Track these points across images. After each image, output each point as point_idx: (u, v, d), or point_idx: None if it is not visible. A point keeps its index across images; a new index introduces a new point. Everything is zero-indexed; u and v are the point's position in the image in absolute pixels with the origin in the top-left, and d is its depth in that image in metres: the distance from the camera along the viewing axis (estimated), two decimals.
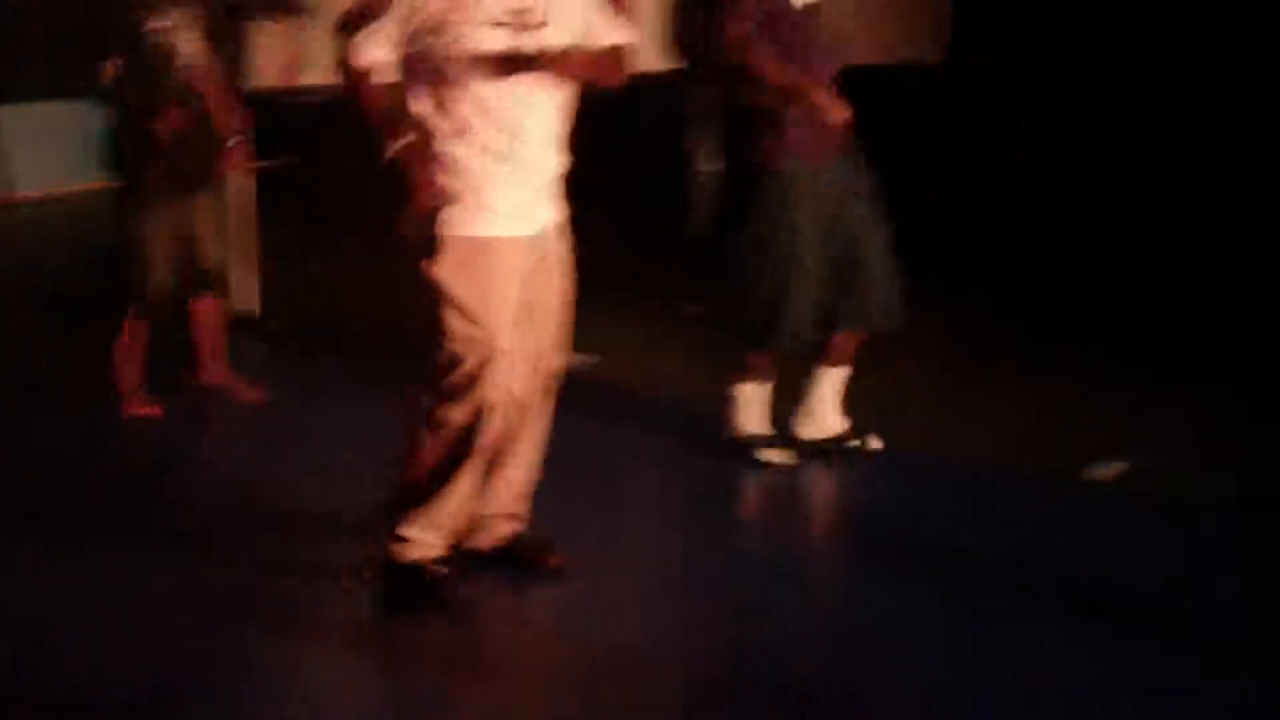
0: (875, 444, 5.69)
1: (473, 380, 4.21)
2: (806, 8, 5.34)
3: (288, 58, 7.15)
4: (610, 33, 4.40)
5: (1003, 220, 8.77)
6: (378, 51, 4.17)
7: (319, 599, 4.44)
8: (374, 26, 4.16)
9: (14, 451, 5.64)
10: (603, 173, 5.74)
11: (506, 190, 4.21)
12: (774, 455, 5.56)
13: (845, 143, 5.42)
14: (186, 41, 5.70)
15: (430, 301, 4.22)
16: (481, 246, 4.20)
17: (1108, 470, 5.54)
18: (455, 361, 4.21)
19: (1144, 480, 5.45)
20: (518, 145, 4.20)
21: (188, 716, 3.81)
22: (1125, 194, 8.60)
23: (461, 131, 4.18)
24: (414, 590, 4.38)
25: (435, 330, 4.23)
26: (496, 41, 4.13)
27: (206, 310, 6.09)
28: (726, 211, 5.53)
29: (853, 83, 5.43)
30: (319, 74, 6.71)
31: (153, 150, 5.69)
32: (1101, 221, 8.57)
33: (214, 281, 6.02)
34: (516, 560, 4.58)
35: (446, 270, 4.20)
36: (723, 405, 5.60)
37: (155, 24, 5.64)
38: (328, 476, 5.28)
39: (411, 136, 4.20)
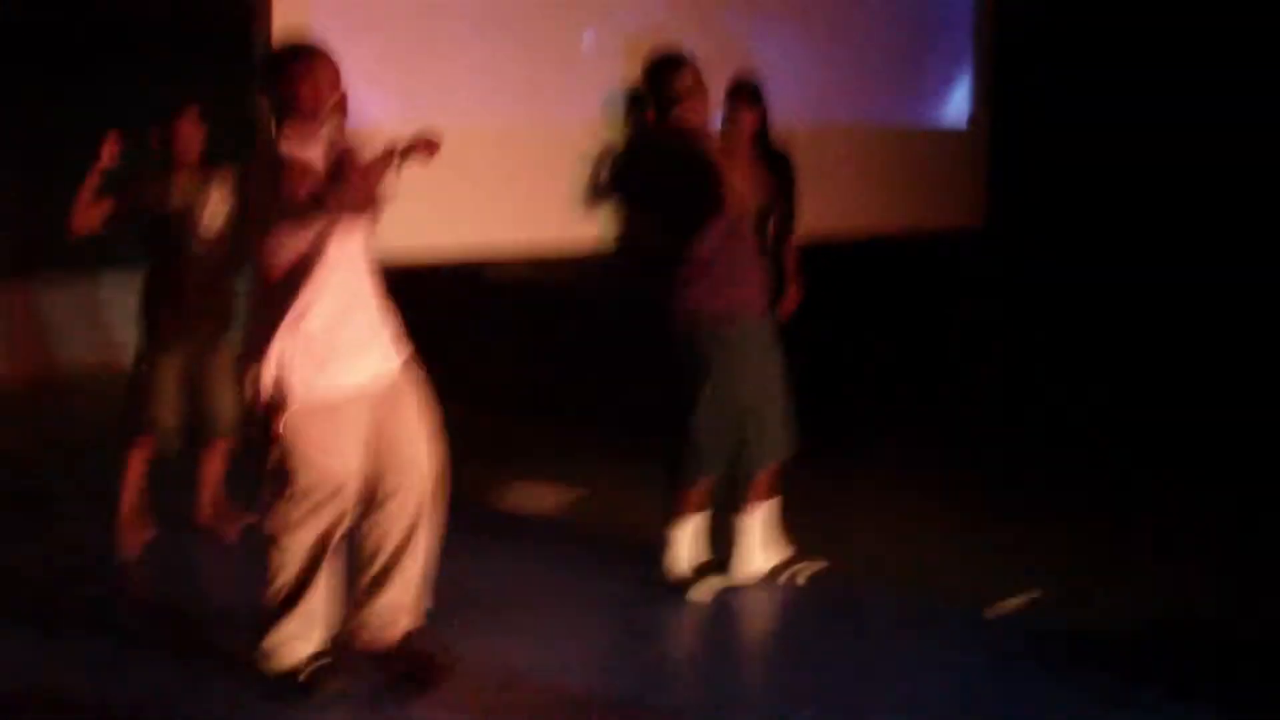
0: (804, 575, 6.00)
1: (315, 511, 4.65)
2: None
3: None
4: None
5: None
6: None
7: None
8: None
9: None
10: None
11: (336, 347, 4.63)
12: (697, 593, 5.83)
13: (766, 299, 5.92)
14: (207, 206, 6.18)
15: (275, 449, 4.65)
16: (315, 408, 4.62)
17: (1015, 602, 5.75)
18: (300, 495, 4.64)
19: (1050, 610, 5.66)
20: (341, 304, 4.64)
21: None
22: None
23: (290, 297, 4.61)
24: (299, 689, 4.75)
25: (279, 469, 4.65)
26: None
27: (209, 455, 6.53)
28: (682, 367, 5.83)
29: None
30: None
31: (168, 302, 6.23)
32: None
33: (221, 431, 6.42)
34: (397, 664, 4.90)
35: (288, 427, 4.61)
36: (661, 547, 5.89)
37: (173, 191, 6.16)
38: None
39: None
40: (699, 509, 5.88)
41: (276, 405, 4.63)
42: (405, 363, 4.87)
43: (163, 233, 6.24)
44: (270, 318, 4.63)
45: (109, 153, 6.10)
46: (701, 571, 5.91)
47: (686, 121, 5.70)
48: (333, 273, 4.62)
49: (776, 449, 5.90)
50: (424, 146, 4.62)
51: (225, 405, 6.36)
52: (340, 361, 4.64)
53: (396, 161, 4.60)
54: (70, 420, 8.63)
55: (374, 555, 4.84)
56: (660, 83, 5.72)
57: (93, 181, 6.09)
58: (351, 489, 4.66)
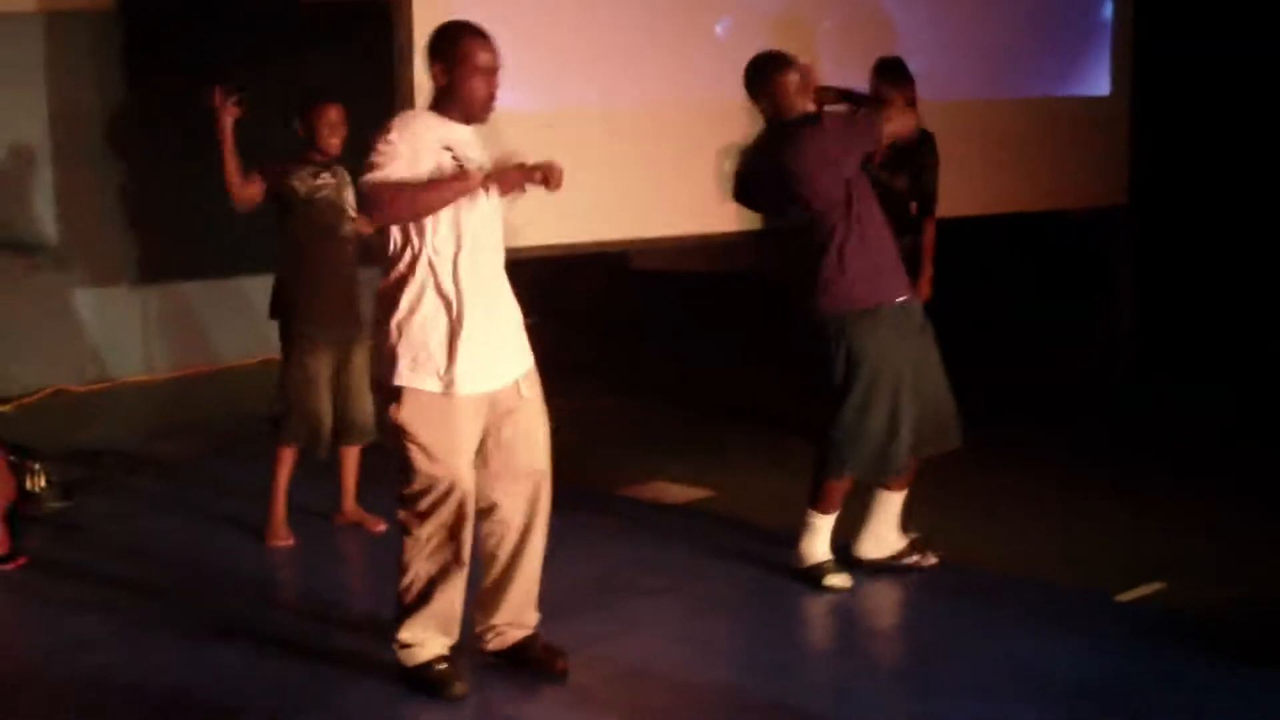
0: (931, 560, 5.98)
1: (436, 505, 4.69)
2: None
3: None
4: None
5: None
6: (383, 180, 4.57)
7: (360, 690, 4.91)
8: (379, 163, 4.58)
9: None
10: None
11: (463, 347, 4.64)
12: (837, 580, 5.81)
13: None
14: (351, 198, 6.21)
15: (397, 439, 4.71)
16: (440, 400, 4.66)
17: (1144, 591, 5.71)
18: (421, 490, 4.70)
19: (1178, 601, 5.63)
20: (471, 304, 4.64)
21: None
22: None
23: (422, 290, 4.64)
24: (423, 688, 4.81)
25: (402, 462, 4.72)
26: (469, 201, 4.61)
27: (349, 455, 6.65)
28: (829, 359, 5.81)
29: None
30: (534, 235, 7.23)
31: (313, 300, 6.30)
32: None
33: (363, 433, 6.52)
34: (526, 663, 4.98)
35: (408, 417, 4.66)
36: (800, 533, 5.88)
37: (320, 180, 6.26)
38: None
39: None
40: (840, 502, 5.85)
41: (395, 396, 4.68)
42: (532, 367, 4.91)
43: (313, 216, 6.30)
44: (398, 307, 4.68)
45: (220, 103, 6.11)
46: (841, 560, 5.88)
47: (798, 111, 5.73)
48: (470, 260, 4.65)
49: (943, 439, 5.87)
50: (553, 177, 4.67)
51: (365, 406, 6.40)
52: (469, 361, 4.66)
53: (533, 176, 4.67)
54: (223, 416, 8.82)
55: (493, 558, 4.91)
56: (763, 88, 5.76)
57: (229, 144, 6.13)
58: (465, 487, 4.70)
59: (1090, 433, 8.24)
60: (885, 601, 5.86)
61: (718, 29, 7.87)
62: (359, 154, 4.76)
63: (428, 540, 4.74)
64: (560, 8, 7.44)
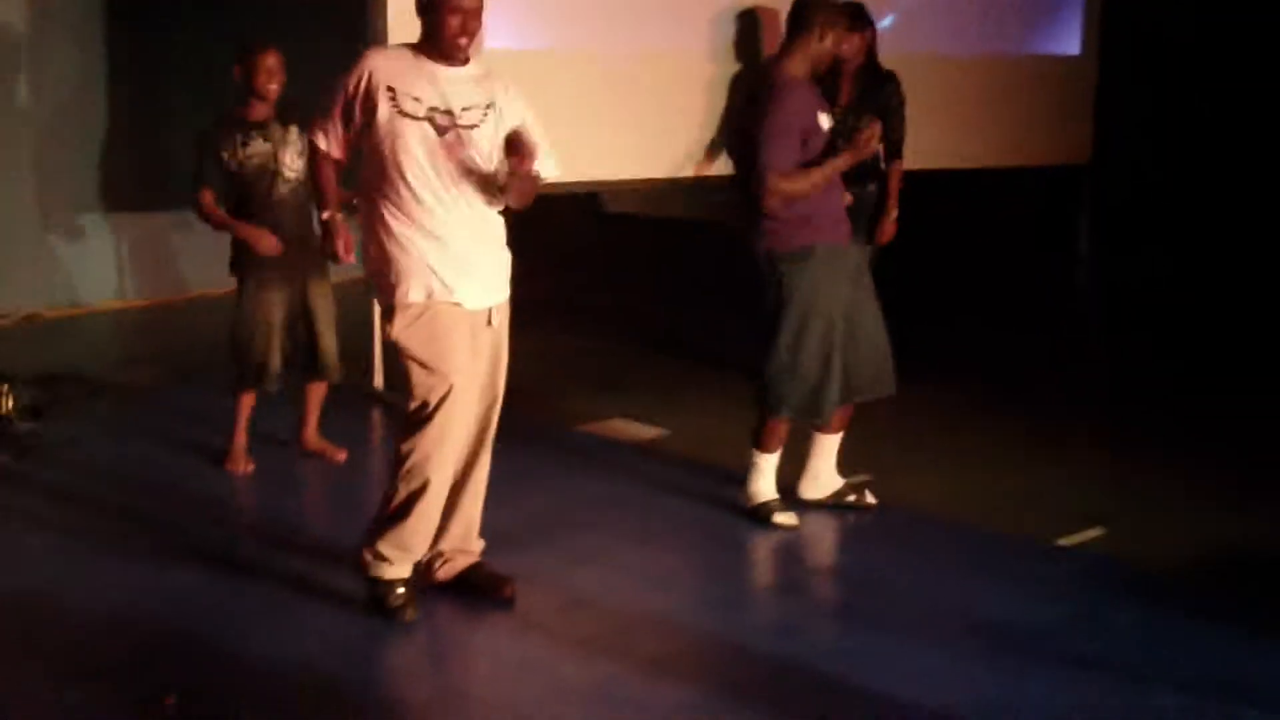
0: (870, 500, 6.13)
1: (433, 416, 4.80)
2: (832, 129, 5.89)
3: None
4: (542, 162, 4.91)
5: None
6: (321, 136, 4.85)
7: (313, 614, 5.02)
8: (322, 110, 4.86)
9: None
10: None
11: (443, 266, 4.79)
12: (785, 519, 5.94)
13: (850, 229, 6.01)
14: (288, 157, 6.37)
15: (397, 359, 4.88)
16: (425, 309, 4.80)
17: (1081, 537, 5.86)
18: (421, 403, 4.82)
19: (1116, 545, 5.79)
20: (448, 231, 4.79)
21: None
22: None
23: (401, 212, 4.79)
24: (377, 607, 4.95)
25: (404, 379, 4.87)
26: (416, 136, 4.74)
27: (314, 389, 6.75)
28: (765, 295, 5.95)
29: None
30: None
31: (247, 252, 6.39)
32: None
33: (325, 370, 6.64)
34: (474, 589, 5.12)
35: (401, 331, 4.82)
36: (747, 472, 6.02)
37: (251, 148, 6.34)
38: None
39: (334, 214, 4.90)
40: (783, 441, 5.98)
41: (388, 315, 4.84)
42: (505, 300, 5.05)
43: (247, 181, 6.40)
44: (375, 232, 4.85)
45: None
46: (788, 498, 6.03)
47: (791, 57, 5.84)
48: (451, 190, 4.79)
49: (876, 384, 6.00)
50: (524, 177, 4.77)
51: (334, 344, 6.57)
52: (453, 276, 4.81)
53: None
54: (192, 345, 8.91)
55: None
56: (830, 34, 5.84)
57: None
58: (457, 397, 4.81)
59: (1041, 385, 8.39)
60: (830, 541, 6.00)
61: None
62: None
63: (416, 458, 4.84)
64: None
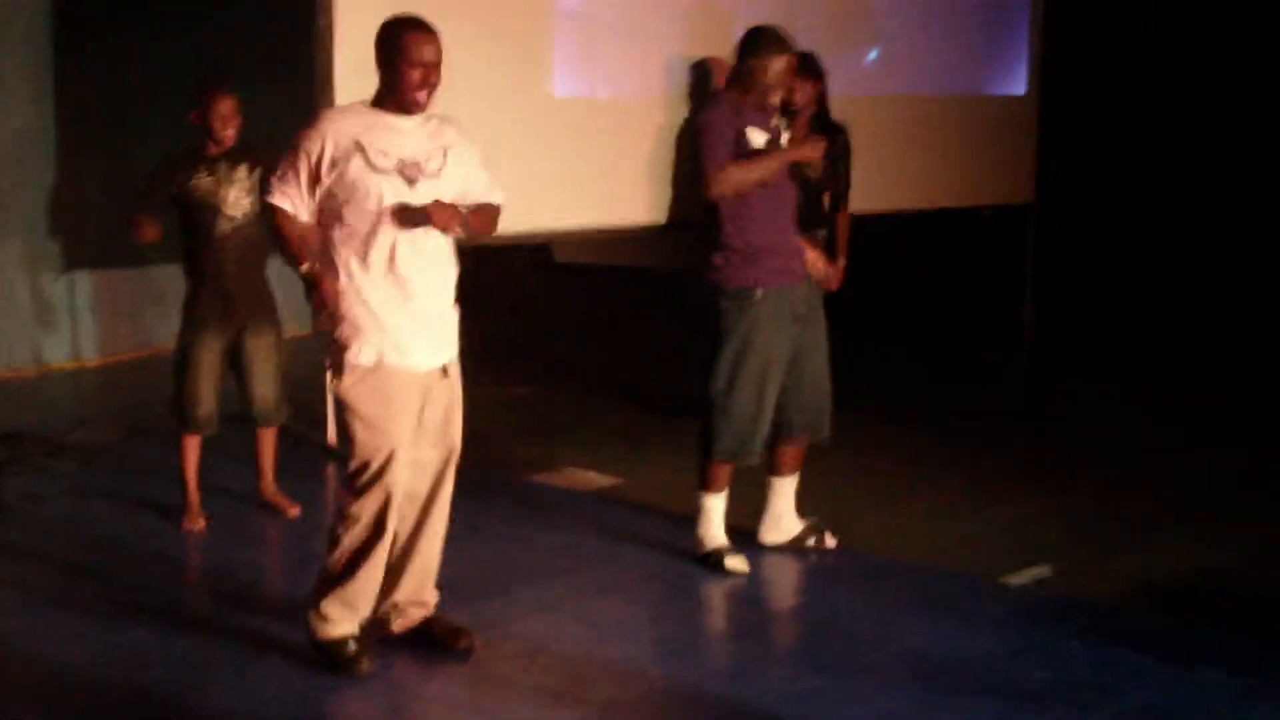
0: (830, 542, 6.22)
1: (376, 478, 4.85)
2: (768, 145, 5.93)
3: None
4: (490, 193, 5.07)
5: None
6: (282, 198, 4.86)
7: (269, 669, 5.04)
8: (281, 174, 4.88)
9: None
10: None
11: (399, 326, 4.84)
12: (735, 563, 5.99)
13: (804, 268, 6.07)
14: (232, 196, 6.39)
15: (341, 414, 4.91)
16: (377, 371, 4.85)
17: (1028, 575, 5.98)
18: (363, 464, 4.86)
19: (1060, 583, 5.92)
20: (409, 289, 4.84)
21: None
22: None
23: (360, 267, 4.83)
24: (330, 663, 4.97)
25: (346, 437, 4.91)
26: (390, 190, 4.78)
27: (264, 438, 6.76)
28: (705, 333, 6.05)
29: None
30: None
31: (201, 285, 6.44)
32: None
33: (268, 415, 6.66)
34: (429, 642, 5.16)
35: (349, 389, 4.86)
36: (695, 517, 6.07)
37: (195, 181, 6.37)
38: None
39: (313, 265, 4.89)
40: (728, 482, 6.03)
41: (336, 371, 4.88)
42: (455, 357, 5.09)
43: (190, 215, 6.43)
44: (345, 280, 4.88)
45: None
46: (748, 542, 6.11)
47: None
48: (402, 247, 4.83)
49: (811, 426, 6.09)
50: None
51: (269, 390, 6.60)
52: (407, 337, 4.86)
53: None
54: (147, 401, 8.91)
55: (395, 538, 5.04)
56: (750, 61, 5.97)
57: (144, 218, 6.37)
58: (400, 460, 4.86)
59: (988, 424, 8.51)
60: (780, 585, 6.08)
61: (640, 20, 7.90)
62: (275, 137, 4.93)
63: (358, 518, 4.89)
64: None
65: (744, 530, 6.17)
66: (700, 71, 7.31)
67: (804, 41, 7.09)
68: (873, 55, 8.21)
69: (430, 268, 4.91)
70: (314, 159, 4.80)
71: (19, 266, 9.99)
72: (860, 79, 8.37)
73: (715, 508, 6.03)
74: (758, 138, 5.91)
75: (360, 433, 4.86)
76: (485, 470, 7.11)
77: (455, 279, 5.04)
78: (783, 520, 6.20)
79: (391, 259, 4.82)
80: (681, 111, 7.26)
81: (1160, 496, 7.03)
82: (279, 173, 4.90)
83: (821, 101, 7.32)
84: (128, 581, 5.91)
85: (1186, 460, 7.64)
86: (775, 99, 6.03)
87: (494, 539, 6.33)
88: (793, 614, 5.94)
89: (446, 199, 4.85)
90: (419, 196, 4.81)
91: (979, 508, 6.88)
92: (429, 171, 4.86)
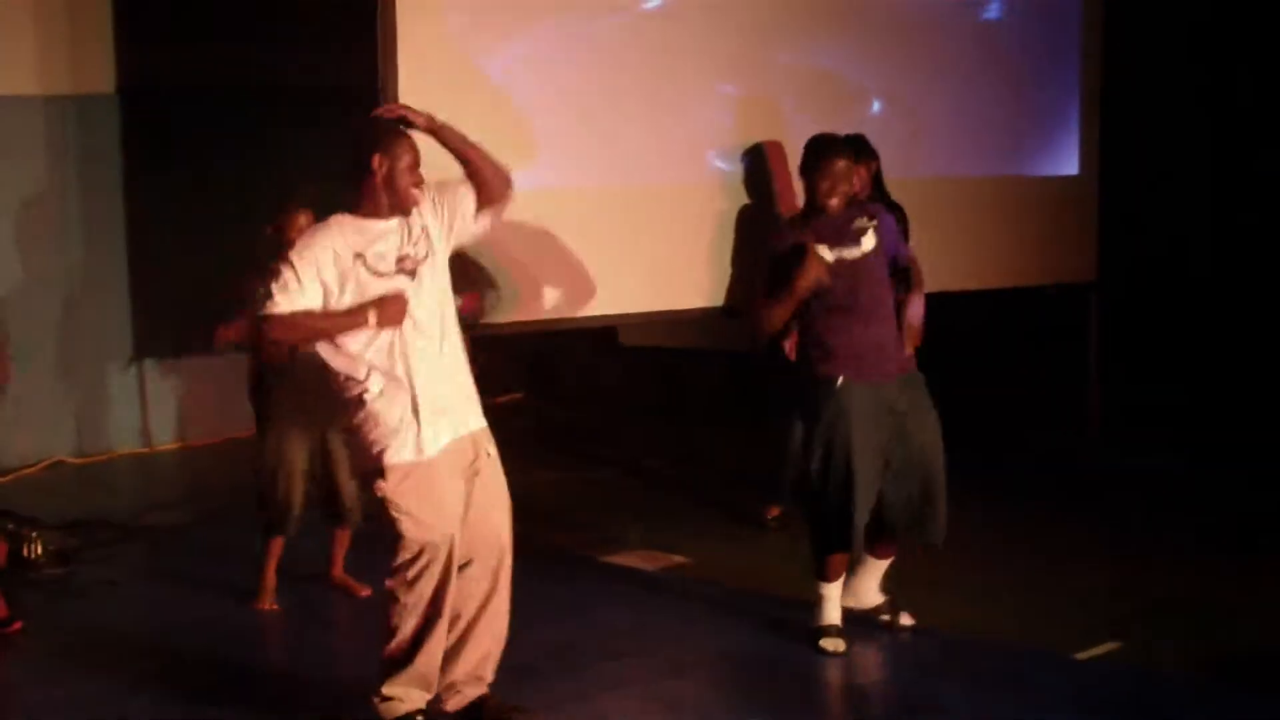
0: (907, 620, 6.21)
1: (425, 570, 4.93)
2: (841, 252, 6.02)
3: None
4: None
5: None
6: (285, 304, 4.86)
7: None
8: (281, 285, 4.87)
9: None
10: None
11: (423, 410, 4.92)
12: (829, 644, 5.99)
13: (906, 363, 6.09)
14: None
15: (385, 510, 4.96)
16: (415, 466, 4.92)
17: (1100, 650, 5.95)
18: (413, 556, 4.94)
19: (1134, 655, 5.88)
20: (421, 371, 4.93)
21: None
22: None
23: (372, 371, 4.92)
24: None
25: (392, 532, 4.96)
26: (400, 287, 4.91)
27: (339, 535, 6.86)
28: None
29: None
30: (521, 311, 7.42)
31: (282, 387, 6.53)
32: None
33: (348, 518, 6.73)
34: (495, 715, 5.17)
35: (394, 489, 4.93)
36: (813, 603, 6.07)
37: None
38: None
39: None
40: (840, 571, 6.04)
41: (377, 475, 4.93)
42: (487, 427, 5.15)
43: None
44: (354, 397, 4.96)
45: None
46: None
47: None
48: (413, 336, 4.93)
49: (913, 526, 6.06)
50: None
51: (348, 489, 6.63)
52: (431, 416, 4.93)
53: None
54: (216, 487, 9.05)
55: (457, 618, 5.10)
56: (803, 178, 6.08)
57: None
58: (453, 547, 4.93)
59: (1053, 500, 8.44)
60: (864, 665, 6.04)
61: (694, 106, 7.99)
62: None
63: (415, 605, 4.96)
64: (541, 91, 7.60)
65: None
66: (755, 156, 7.40)
67: (860, 128, 7.20)
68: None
69: (430, 346, 4.97)
70: (323, 273, 4.89)
71: (85, 356, 10.18)
72: (914, 161, 8.40)
73: (829, 593, 6.03)
74: (827, 253, 5.97)
75: (410, 528, 4.93)
76: (555, 550, 7.19)
77: (460, 340, 5.11)
78: (861, 591, 6.21)
79: (393, 350, 4.91)
80: (739, 197, 7.36)
81: (1223, 572, 6.97)
82: (264, 293, 4.88)
83: (878, 182, 7.37)
84: (202, 663, 5.98)
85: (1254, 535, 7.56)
86: (835, 203, 6.06)
87: (558, 620, 6.33)
88: (872, 693, 5.90)
89: (441, 259, 5.01)
90: (423, 284, 4.95)
91: (1042, 583, 6.84)
92: (419, 257, 4.98)
